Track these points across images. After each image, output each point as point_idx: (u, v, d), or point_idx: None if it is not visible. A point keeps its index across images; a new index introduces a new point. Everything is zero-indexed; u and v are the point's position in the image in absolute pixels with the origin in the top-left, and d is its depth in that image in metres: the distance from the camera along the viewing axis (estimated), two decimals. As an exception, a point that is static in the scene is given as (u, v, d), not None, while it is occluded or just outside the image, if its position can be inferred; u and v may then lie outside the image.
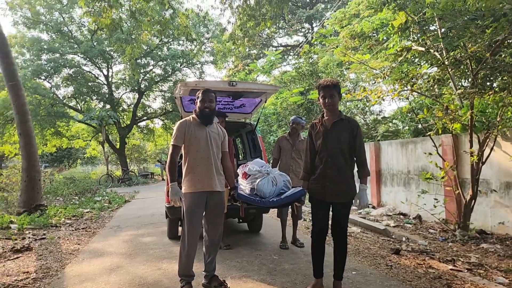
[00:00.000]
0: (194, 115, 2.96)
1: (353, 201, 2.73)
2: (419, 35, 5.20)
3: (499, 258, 3.89)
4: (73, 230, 5.57)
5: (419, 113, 5.69)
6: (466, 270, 3.41)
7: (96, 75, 19.62)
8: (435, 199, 5.22)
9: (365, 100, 10.54)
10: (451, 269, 3.43)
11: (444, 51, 4.94)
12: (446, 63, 4.59)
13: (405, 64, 5.66)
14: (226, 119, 4.38)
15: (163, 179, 19.68)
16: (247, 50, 22.92)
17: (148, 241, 4.75)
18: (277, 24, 24.02)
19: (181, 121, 2.92)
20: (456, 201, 5.29)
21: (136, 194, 11.45)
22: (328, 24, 13.39)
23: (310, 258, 3.79)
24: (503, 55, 4.52)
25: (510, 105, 4.51)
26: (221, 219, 2.98)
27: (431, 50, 4.89)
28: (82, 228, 5.72)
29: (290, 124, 4.53)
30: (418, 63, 6.19)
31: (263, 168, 3.52)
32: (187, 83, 3.74)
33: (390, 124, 12.23)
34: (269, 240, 4.70)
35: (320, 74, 13.30)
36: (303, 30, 26.46)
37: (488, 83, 5.27)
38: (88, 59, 18.10)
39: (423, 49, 5.26)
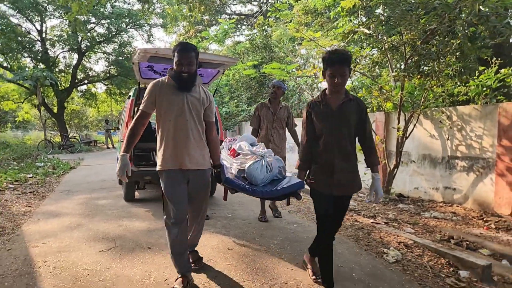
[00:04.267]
0: (169, 76, 2.38)
1: (367, 194, 2.48)
2: (365, 19, 5.72)
3: (410, 215, 4.78)
4: (19, 194, 5.41)
5: (359, 92, 6.36)
6: (383, 223, 4.19)
7: (28, 30, 17.61)
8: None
9: (313, 76, 11.12)
10: (372, 222, 4.18)
11: (385, 36, 5.55)
12: (386, 46, 5.21)
13: (351, 46, 6.20)
14: None
15: (108, 148, 18.95)
16: (200, 15, 22.18)
17: (104, 203, 4.87)
18: (232, -9, 23.39)
19: (154, 81, 2.39)
20: (383, 169, 6.17)
21: (81, 161, 11.03)
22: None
23: (259, 211, 4.26)
24: (431, 45, 5.24)
25: (432, 89, 5.31)
26: (204, 201, 2.54)
27: (374, 35, 5.47)
28: (29, 192, 5.57)
29: (270, 88, 4.06)
30: (363, 45, 6.77)
31: (256, 149, 3.03)
32: (146, 50, 3.79)
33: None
34: (223, 202, 5.12)
35: (273, 47, 13.60)
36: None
37: (417, 68, 6.05)
38: (17, 10, 16.11)
39: (368, 32, 5.83)
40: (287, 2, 13.84)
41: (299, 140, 3.73)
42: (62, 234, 3.39)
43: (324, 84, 13.73)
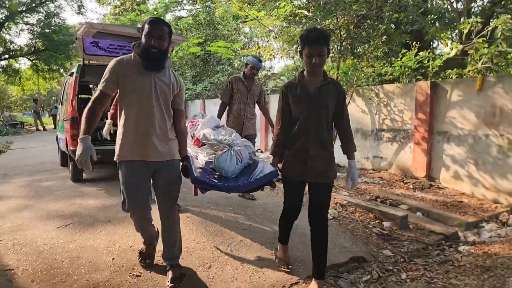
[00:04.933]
0: (136, 53, 2.08)
1: (345, 180, 2.39)
2: (305, 1, 6.10)
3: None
4: None
5: (299, 70, 6.82)
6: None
7: None
8: (308, 141, 6.61)
9: (258, 56, 11.37)
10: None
11: (323, 21, 5.98)
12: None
13: (293, 28, 6.54)
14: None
15: (38, 130, 17.39)
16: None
17: (50, 184, 4.70)
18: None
19: (117, 59, 2.10)
20: (323, 142, 6.80)
21: (10, 144, 10.10)
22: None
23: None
24: (362, 29, 5.81)
25: (362, 70, 5.94)
26: (173, 198, 2.24)
27: (314, 18, 5.88)
28: (-43, 177, 5.12)
29: (248, 67, 3.88)
30: (304, 27, 7.17)
31: (222, 136, 2.81)
32: (93, 25, 3.69)
33: (278, 80, 13.63)
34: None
35: (217, 25, 13.48)
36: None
37: (351, 51, 6.65)
38: None
39: (309, 14, 6.21)
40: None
41: (271, 117, 3.66)
42: (11, 215, 3.30)
43: (267, 63, 14.03)
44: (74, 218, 3.22)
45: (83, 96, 4.74)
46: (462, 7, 7.82)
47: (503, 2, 8.39)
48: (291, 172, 2.25)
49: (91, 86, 5.62)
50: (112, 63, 2.07)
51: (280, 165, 2.35)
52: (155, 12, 15.60)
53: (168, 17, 16.92)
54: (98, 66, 4.75)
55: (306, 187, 2.34)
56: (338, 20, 5.45)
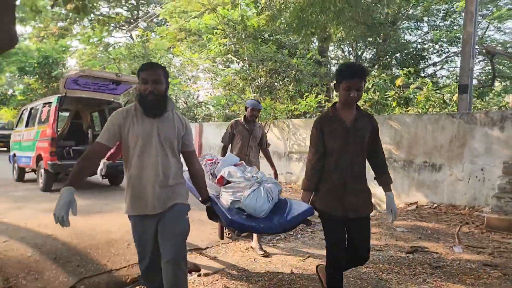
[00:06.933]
0: (136, 100, 2.02)
1: (386, 213, 2.33)
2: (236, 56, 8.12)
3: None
4: None
5: (231, 106, 8.69)
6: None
7: None
8: (237, 161, 8.38)
9: (189, 88, 12.95)
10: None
11: (248, 71, 8.06)
12: (249, 78, 7.71)
13: (228, 76, 8.46)
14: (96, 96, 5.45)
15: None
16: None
17: (23, 194, 5.47)
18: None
19: (118, 110, 2.03)
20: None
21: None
22: (160, 13, 14.97)
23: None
24: (275, 79, 8.01)
25: (275, 108, 8.08)
26: (181, 251, 1.98)
27: (241, 69, 7.90)
28: None
29: (248, 110, 3.84)
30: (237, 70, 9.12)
31: (248, 172, 2.71)
32: (85, 71, 4.94)
33: (204, 108, 15.30)
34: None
35: (151, 58, 14.74)
36: (127, 4, 26.26)
37: (267, 93, 8.83)
38: None
39: (241, 63, 8.17)
40: (163, 18, 15.32)
41: (272, 160, 4.08)
42: (12, 212, 4.17)
43: (195, 92, 15.57)
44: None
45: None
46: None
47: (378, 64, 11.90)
48: (330, 208, 2.15)
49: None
50: (113, 114, 2.01)
51: (317, 204, 2.23)
52: (83, 38, 16.25)
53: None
54: (73, 98, 5.92)
55: None
56: (259, 71, 7.54)
